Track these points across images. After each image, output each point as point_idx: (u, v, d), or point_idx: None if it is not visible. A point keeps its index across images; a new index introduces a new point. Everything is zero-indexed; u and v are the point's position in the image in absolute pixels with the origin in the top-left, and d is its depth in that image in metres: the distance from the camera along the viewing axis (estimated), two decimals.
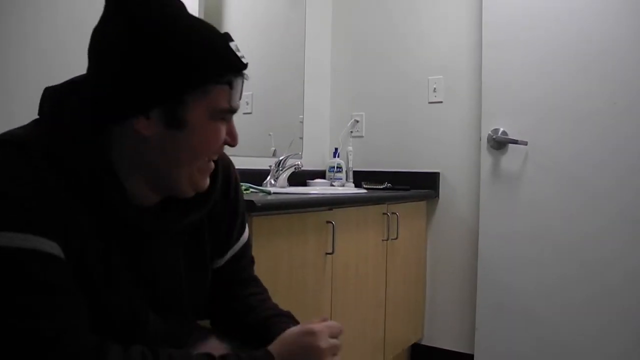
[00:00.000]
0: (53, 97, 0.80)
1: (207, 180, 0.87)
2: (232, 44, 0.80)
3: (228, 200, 1.00)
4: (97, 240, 0.76)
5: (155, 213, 0.86)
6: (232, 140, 0.85)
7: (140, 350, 0.74)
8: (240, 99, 0.84)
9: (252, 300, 1.05)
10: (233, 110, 0.82)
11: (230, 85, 0.79)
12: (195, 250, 0.94)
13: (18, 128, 0.78)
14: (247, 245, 1.08)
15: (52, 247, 0.69)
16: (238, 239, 1.05)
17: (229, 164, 1.02)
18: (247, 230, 1.08)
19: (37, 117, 0.81)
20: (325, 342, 0.90)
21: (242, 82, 0.83)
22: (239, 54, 0.80)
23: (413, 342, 2.73)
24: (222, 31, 0.82)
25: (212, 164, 0.87)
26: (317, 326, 0.91)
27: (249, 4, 2.55)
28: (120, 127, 0.78)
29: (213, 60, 0.77)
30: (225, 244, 1.02)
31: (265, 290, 1.11)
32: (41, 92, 0.82)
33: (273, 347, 0.89)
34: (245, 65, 0.81)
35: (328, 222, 1.88)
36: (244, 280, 1.08)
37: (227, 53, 0.79)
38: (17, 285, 0.66)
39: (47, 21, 1.63)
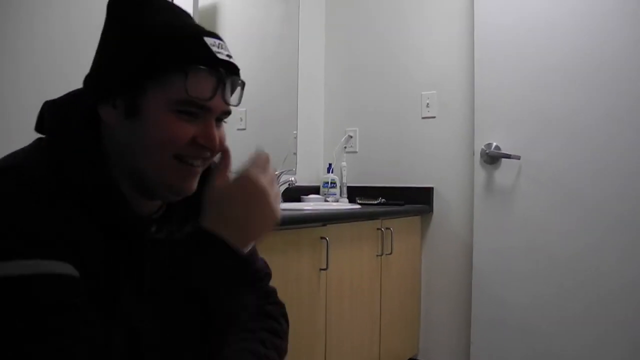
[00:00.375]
0: (53, 112, 0.80)
1: (192, 184, 0.81)
2: (208, 39, 0.76)
3: None
4: (105, 258, 0.75)
5: (155, 222, 0.85)
6: (205, 141, 0.77)
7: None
8: (227, 100, 0.78)
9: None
10: (192, 102, 0.75)
11: (186, 72, 0.73)
12: None
13: (21, 151, 0.78)
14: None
15: (67, 268, 0.69)
16: None
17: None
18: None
19: (34, 130, 0.81)
20: (264, 177, 0.78)
21: (222, 78, 0.77)
22: (214, 49, 0.76)
23: (408, 358, 2.71)
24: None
25: (195, 168, 0.81)
26: (253, 169, 0.78)
27: (242, 20, 2.57)
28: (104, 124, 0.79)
29: (170, 48, 0.74)
30: None
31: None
32: (35, 103, 0.82)
33: (207, 219, 0.76)
34: (218, 60, 0.76)
35: (322, 237, 1.88)
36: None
37: (189, 42, 0.75)
38: (40, 310, 0.65)
39: (41, 36, 1.64)
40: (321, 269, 1.89)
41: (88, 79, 0.81)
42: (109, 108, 0.77)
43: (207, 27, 0.80)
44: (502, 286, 2.47)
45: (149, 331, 0.68)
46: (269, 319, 1.00)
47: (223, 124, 0.82)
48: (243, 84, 0.81)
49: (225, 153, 0.82)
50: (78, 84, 0.82)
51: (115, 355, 0.67)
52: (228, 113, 0.81)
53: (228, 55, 0.78)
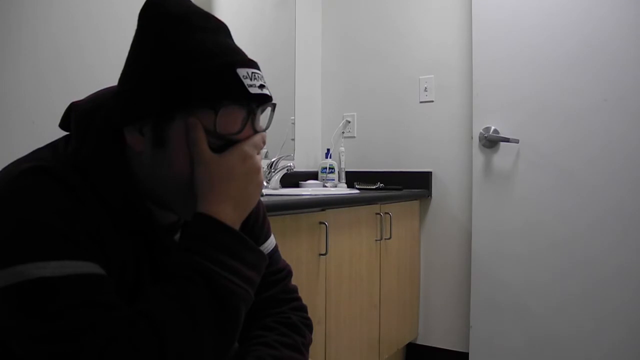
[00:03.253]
0: (79, 120, 0.79)
1: None
2: (241, 70, 0.74)
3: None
4: (131, 261, 0.76)
5: (179, 229, 0.85)
6: None
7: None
8: (256, 129, 0.77)
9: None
10: (221, 137, 0.74)
11: (216, 110, 0.72)
12: None
13: (48, 150, 0.77)
14: (271, 257, 0.99)
15: (96, 268, 0.69)
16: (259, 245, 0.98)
17: None
18: (271, 239, 1.02)
19: (58, 126, 0.81)
20: (258, 157, 0.79)
21: (253, 111, 0.75)
22: (246, 82, 0.73)
23: (408, 342, 2.73)
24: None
25: None
26: (247, 146, 0.78)
27: (237, 3, 2.55)
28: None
29: (202, 82, 0.72)
30: None
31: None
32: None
33: (205, 197, 0.75)
34: (250, 95, 0.74)
35: (321, 223, 1.88)
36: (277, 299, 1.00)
37: (222, 76, 0.73)
38: (71, 310, 0.66)
39: (44, 33, 1.62)
40: (320, 254, 1.89)
41: (118, 97, 0.77)
42: (136, 134, 0.75)
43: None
44: (501, 270, 2.48)
45: (167, 313, 0.68)
46: (292, 332, 0.97)
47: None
48: (274, 107, 0.80)
49: (194, 123, 0.76)
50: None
51: (143, 352, 0.66)
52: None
53: (261, 86, 0.76)
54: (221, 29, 0.79)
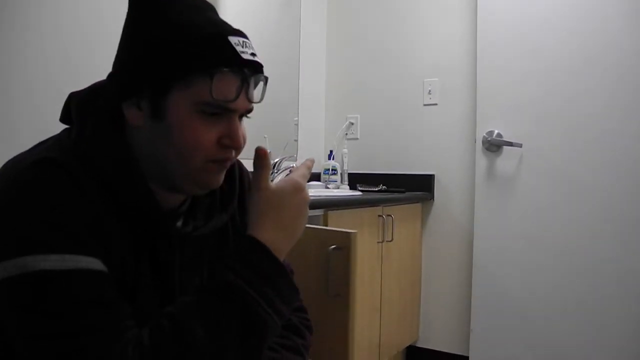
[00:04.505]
0: (79, 107, 0.80)
1: (219, 179, 0.83)
2: (232, 38, 0.76)
3: (243, 203, 0.96)
4: (131, 254, 0.76)
5: (181, 216, 0.86)
6: (230, 142, 0.78)
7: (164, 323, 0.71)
8: (250, 99, 0.79)
9: None
10: (217, 104, 0.75)
11: (212, 76, 0.74)
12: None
13: (51, 142, 0.78)
14: None
15: (97, 264, 0.69)
16: None
17: (241, 166, 0.99)
18: None
19: (59, 120, 0.82)
20: (305, 184, 0.84)
21: (246, 79, 0.77)
22: (238, 49, 0.76)
23: (408, 344, 2.73)
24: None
25: (223, 163, 0.81)
26: (300, 178, 0.84)
27: (242, 3, 2.55)
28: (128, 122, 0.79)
29: (197, 51, 0.74)
30: None
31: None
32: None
33: (256, 224, 0.79)
34: (243, 60, 0.76)
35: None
36: None
37: (215, 43, 0.75)
38: (71, 305, 0.66)
39: (50, 28, 1.62)
40: None
41: (112, 77, 0.80)
42: (134, 109, 0.77)
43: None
44: (502, 274, 2.47)
45: (193, 324, 0.69)
46: (293, 333, 0.97)
47: (244, 120, 0.83)
48: (266, 80, 0.81)
49: (262, 154, 0.83)
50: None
51: (146, 350, 0.67)
52: (250, 110, 0.81)
53: (252, 54, 0.78)
54: (209, 7, 0.81)
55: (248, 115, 0.82)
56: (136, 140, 0.79)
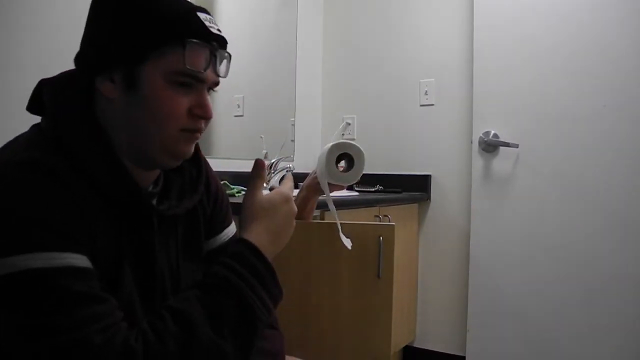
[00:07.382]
0: (52, 92, 0.81)
1: (191, 149, 0.86)
2: (201, 14, 0.81)
3: (209, 189, 0.99)
4: (113, 245, 0.77)
5: (155, 196, 0.88)
6: (201, 111, 0.82)
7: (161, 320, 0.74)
8: (218, 72, 0.83)
9: None
10: (188, 74, 0.79)
11: (184, 46, 0.77)
12: (191, 242, 0.94)
13: (25, 141, 0.78)
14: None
15: (83, 261, 0.71)
16: (220, 231, 1.02)
17: (203, 155, 1.01)
18: (232, 226, 1.05)
19: (25, 109, 0.83)
20: (294, 203, 0.94)
21: (213, 53, 0.81)
22: (206, 24, 0.80)
23: (405, 344, 2.73)
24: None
25: (195, 134, 0.84)
26: (288, 190, 0.95)
27: (238, 5, 2.55)
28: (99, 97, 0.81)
29: (168, 22, 0.78)
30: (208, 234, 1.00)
31: None
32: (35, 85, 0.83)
33: (250, 228, 0.88)
34: (212, 34, 0.81)
35: None
36: None
37: (186, 17, 0.79)
38: (61, 301, 0.67)
39: (44, 19, 1.62)
40: None
41: (80, 56, 0.82)
42: (107, 83, 0.79)
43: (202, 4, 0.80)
44: (499, 274, 2.48)
45: (194, 315, 0.74)
46: None
47: (211, 93, 0.87)
48: (230, 56, 0.85)
49: (261, 165, 0.93)
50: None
51: (150, 338, 0.70)
52: (217, 84, 0.85)
53: (218, 30, 0.83)
54: None
55: (214, 89, 0.86)
56: (110, 116, 0.81)
